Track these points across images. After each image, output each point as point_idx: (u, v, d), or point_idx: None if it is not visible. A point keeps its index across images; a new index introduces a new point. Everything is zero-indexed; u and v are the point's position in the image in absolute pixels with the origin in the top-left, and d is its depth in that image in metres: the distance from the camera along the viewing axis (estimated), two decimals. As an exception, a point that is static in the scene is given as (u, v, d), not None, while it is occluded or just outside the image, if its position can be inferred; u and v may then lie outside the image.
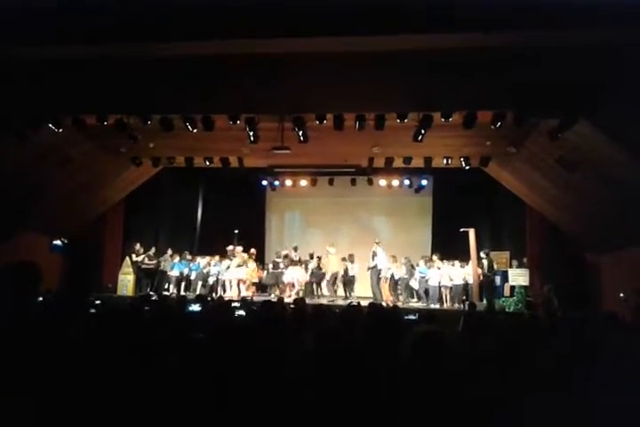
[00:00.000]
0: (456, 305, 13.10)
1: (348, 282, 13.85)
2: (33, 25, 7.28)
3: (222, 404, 2.18)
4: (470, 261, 13.30)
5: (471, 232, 13.03)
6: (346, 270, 13.76)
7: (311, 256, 14.00)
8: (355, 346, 2.57)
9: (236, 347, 2.44)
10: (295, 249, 13.93)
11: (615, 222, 10.64)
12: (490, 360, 3.47)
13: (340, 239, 15.27)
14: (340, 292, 14.06)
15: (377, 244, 13.37)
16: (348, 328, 3.12)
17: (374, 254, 13.15)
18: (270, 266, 14.07)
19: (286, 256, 13.76)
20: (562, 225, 13.00)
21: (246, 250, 14.10)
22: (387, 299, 13.03)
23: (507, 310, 11.57)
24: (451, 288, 13.32)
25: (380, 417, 2.00)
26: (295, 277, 13.44)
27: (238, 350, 2.41)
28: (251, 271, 13.92)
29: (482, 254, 13.38)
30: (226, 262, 13.84)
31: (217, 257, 14.40)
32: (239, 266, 13.70)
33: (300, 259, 13.73)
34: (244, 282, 13.88)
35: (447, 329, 2.91)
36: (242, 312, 6.02)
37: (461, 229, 13.16)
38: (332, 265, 13.71)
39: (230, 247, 14.00)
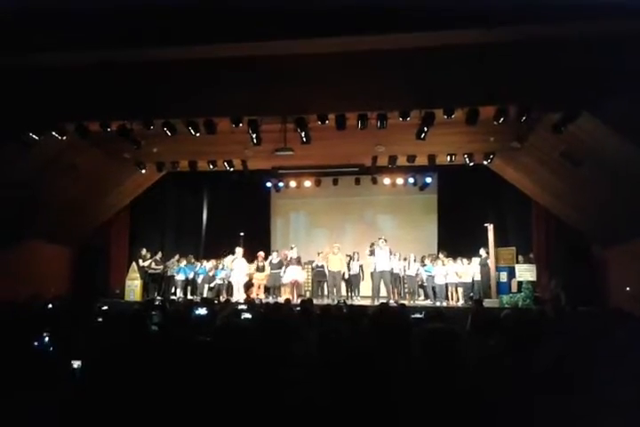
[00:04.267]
0: (461, 302, 13.13)
1: (354, 281, 13.83)
2: (33, 32, 7.31)
3: (227, 406, 2.17)
4: (473, 258, 13.33)
5: (490, 227, 13.03)
6: (349, 270, 13.76)
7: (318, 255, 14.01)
8: (359, 346, 2.56)
9: (241, 349, 2.44)
10: (292, 249, 13.85)
11: (621, 216, 10.60)
12: (498, 358, 3.46)
13: (346, 239, 15.26)
14: (345, 291, 14.06)
15: (378, 241, 13.19)
16: (352, 329, 3.12)
17: (372, 253, 13.03)
18: (269, 268, 13.94)
19: (286, 257, 13.72)
20: (568, 219, 12.95)
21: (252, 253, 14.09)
22: (393, 297, 13.00)
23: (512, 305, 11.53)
24: (457, 285, 13.33)
25: (384, 418, 1.99)
26: (294, 276, 13.38)
27: (244, 353, 2.41)
28: (264, 275, 13.92)
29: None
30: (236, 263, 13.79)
31: (223, 260, 14.39)
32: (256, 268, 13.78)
33: (299, 258, 13.69)
34: (256, 285, 13.93)
35: (456, 327, 2.90)
36: (248, 315, 6.01)
37: (485, 224, 13.11)
38: (337, 265, 13.67)
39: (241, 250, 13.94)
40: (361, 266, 13.83)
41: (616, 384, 2.22)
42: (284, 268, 13.55)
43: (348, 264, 13.79)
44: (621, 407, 2.08)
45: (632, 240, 10.82)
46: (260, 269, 13.89)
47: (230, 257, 13.88)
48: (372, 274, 13.28)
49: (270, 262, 13.79)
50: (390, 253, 13.01)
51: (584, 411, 2.07)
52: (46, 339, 4.45)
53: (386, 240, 13.07)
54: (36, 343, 4.20)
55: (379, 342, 2.53)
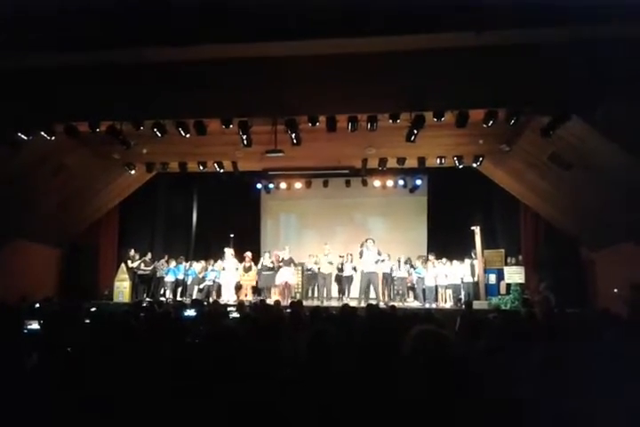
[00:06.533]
0: (449, 304, 13.17)
1: (344, 282, 13.83)
2: (22, 34, 7.26)
3: (217, 407, 2.17)
4: (465, 260, 13.38)
5: (477, 230, 13.09)
6: (341, 271, 13.76)
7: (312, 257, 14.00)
8: (349, 348, 2.57)
9: (230, 351, 2.43)
10: (285, 250, 13.82)
11: (609, 218, 10.67)
12: (485, 360, 3.47)
13: (336, 240, 15.26)
14: (336, 293, 14.09)
15: (366, 242, 13.16)
16: (343, 330, 3.12)
17: (361, 254, 13.02)
18: (262, 270, 13.86)
19: (279, 259, 13.67)
20: (556, 222, 13.04)
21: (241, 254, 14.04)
22: (382, 299, 13.01)
23: (502, 307, 11.58)
24: (446, 287, 13.38)
25: (375, 419, 2.00)
26: (286, 278, 13.35)
27: (232, 354, 2.40)
28: (251, 275, 13.87)
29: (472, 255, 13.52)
30: (223, 265, 13.76)
31: (212, 261, 14.36)
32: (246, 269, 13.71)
33: (291, 260, 13.68)
34: (244, 286, 13.88)
35: (445, 329, 2.90)
36: (236, 314, 6.00)
37: (472, 228, 13.18)
38: (328, 266, 13.66)
39: (231, 251, 13.89)
40: (354, 267, 13.84)
41: (605, 386, 2.23)
42: (275, 269, 13.51)
43: (341, 265, 13.81)
44: (610, 409, 2.09)
45: (620, 243, 10.90)
46: (247, 270, 13.84)
47: (220, 262, 13.86)
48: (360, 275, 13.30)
49: (262, 264, 13.75)
50: (379, 253, 13.00)
51: (572, 413, 2.08)
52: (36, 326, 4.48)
53: (374, 241, 13.08)
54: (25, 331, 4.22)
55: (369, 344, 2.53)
